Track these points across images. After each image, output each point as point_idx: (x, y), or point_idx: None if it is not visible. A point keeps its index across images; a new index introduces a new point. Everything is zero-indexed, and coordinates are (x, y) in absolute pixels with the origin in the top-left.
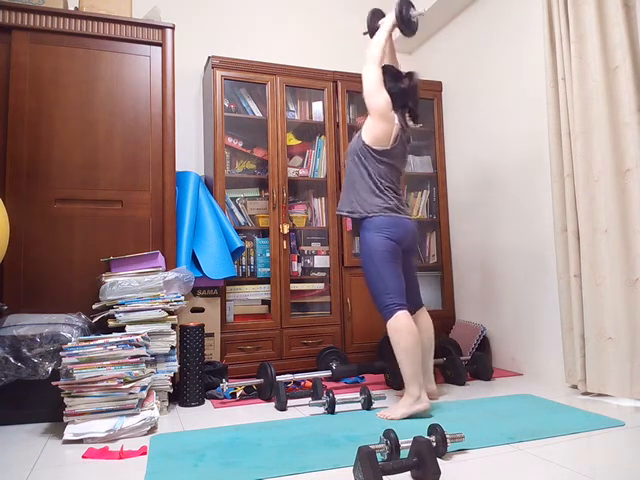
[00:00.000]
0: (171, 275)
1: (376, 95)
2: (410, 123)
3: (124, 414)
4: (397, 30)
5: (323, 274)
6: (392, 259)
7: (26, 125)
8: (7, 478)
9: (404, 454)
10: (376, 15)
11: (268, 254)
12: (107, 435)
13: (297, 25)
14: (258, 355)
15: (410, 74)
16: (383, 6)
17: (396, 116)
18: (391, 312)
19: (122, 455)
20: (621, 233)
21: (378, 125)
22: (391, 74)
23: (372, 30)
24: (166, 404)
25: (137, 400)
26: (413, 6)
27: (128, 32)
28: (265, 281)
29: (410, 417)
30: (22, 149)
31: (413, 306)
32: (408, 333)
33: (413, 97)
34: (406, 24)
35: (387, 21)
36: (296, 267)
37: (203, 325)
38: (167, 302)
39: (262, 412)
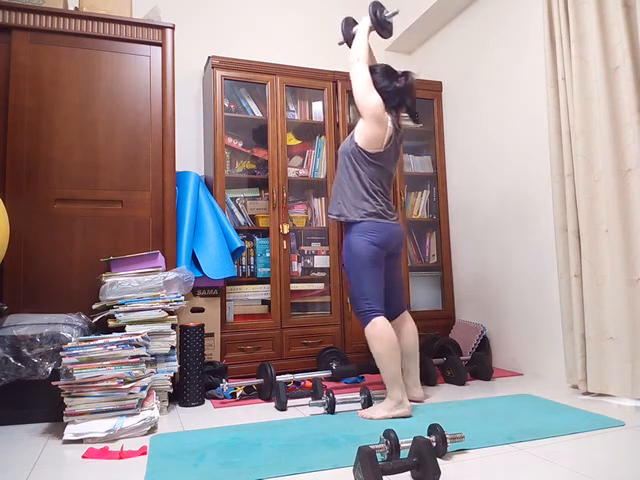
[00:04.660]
0: (171, 275)
1: (367, 97)
2: (409, 123)
3: (124, 414)
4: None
5: (323, 274)
6: (373, 264)
7: (26, 125)
8: (7, 478)
9: (404, 454)
10: (349, 23)
11: (268, 254)
12: (107, 435)
13: (297, 25)
14: (258, 355)
15: (406, 73)
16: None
17: (389, 117)
18: (368, 318)
19: (122, 455)
20: (622, 233)
21: (371, 127)
22: (384, 73)
23: (348, 39)
24: (166, 404)
25: (137, 400)
26: (384, 8)
27: (128, 32)
28: (265, 281)
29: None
30: (22, 149)
31: (397, 310)
32: (385, 339)
33: (410, 96)
34: (382, 26)
35: (363, 25)
36: (296, 267)
37: (203, 325)
38: (167, 302)
39: (262, 412)
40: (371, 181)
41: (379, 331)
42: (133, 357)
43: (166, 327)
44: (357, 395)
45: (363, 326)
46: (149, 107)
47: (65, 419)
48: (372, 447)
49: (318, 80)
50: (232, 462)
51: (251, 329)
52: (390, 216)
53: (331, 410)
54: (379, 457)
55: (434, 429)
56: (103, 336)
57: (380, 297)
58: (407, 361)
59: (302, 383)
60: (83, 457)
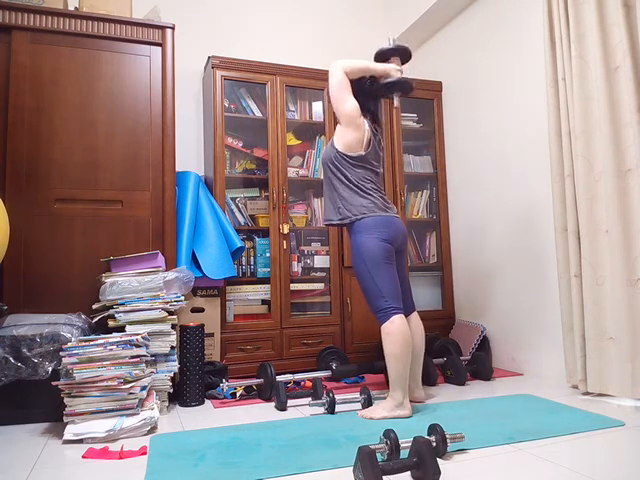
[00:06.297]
0: (171, 275)
1: (343, 101)
2: (409, 123)
3: (124, 414)
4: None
5: (323, 274)
6: (385, 261)
7: (26, 125)
8: (7, 478)
9: (404, 454)
10: (399, 54)
11: (268, 254)
12: (107, 435)
13: (297, 25)
14: (258, 355)
15: (371, 78)
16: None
17: (366, 121)
18: (387, 315)
19: (122, 455)
20: (622, 233)
21: (348, 132)
22: (357, 80)
23: (381, 56)
24: (166, 404)
25: (137, 400)
26: (403, 93)
27: (128, 32)
28: (265, 281)
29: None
30: (22, 149)
31: (408, 310)
32: (401, 338)
33: (373, 100)
34: (385, 91)
35: (385, 68)
36: (296, 267)
37: (203, 325)
38: (167, 302)
39: (262, 412)
40: (361, 180)
41: (396, 328)
42: (133, 357)
43: (166, 327)
44: (357, 395)
45: (380, 324)
46: (149, 107)
47: (65, 419)
48: (372, 447)
49: (318, 80)
50: (232, 462)
51: (251, 329)
52: (390, 209)
53: (331, 410)
54: (379, 457)
55: (434, 429)
56: (103, 336)
57: (398, 294)
58: (412, 361)
59: (302, 383)
60: (83, 457)
